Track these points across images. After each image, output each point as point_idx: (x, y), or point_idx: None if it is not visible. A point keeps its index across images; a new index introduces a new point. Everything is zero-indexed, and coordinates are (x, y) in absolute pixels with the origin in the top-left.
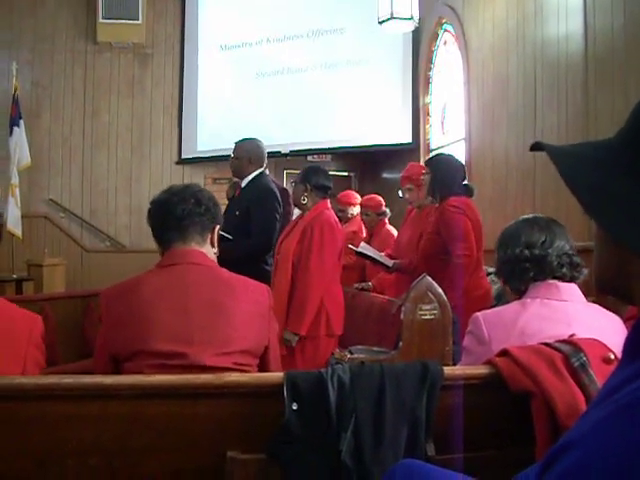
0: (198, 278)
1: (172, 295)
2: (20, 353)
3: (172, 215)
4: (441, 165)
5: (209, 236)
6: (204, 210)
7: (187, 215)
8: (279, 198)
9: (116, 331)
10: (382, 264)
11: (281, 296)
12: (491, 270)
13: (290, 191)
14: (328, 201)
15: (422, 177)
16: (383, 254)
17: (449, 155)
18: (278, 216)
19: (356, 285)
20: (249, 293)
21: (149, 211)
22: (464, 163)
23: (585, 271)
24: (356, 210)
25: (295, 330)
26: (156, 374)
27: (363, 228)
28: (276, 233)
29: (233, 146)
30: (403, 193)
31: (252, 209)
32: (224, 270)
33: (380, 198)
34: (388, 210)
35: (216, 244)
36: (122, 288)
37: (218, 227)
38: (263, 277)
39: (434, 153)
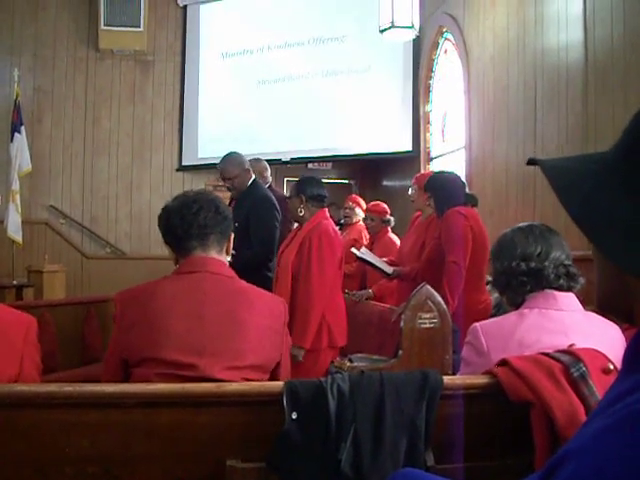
0: (215, 288)
1: (188, 303)
2: (17, 354)
3: (195, 223)
4: (438, 184)
5: (226, 244)
6: (223, 218)
7: (209, 223)
8: (277, 205)
9: (129, 335)
10: (381, 270)
11: None
12: (490, 279)
13: None
14: (326, 210)
15: (427, 202)
16: (385, 259)
17: (442, 172)
18: (277, 223)
19: (355, 293)
20: (266, 306)
21: (163, 217)
22: (464, 172)
23: (582, 280)
24: (360, 214)
25: (300, 344)
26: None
27: (363, 236)
28: (276, 241)
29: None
30: (411, 190)
31: (251, 219)
32: (242, 282)
33: (385, 205)
34: (392, 219)
35: (230, 252)
36: (138, 292)
37: (232, 235)
38: (265, 284)
39: (429, 175)
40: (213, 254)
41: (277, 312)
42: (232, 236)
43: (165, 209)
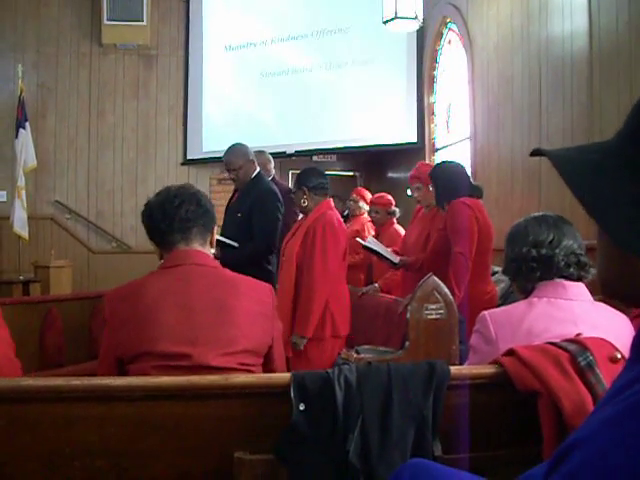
0: (202, 279)
1: (176, 296)
2: None
3: (177, 217)
4: (443, 174)
5: (209, 237)
6: (204, 211)
7: (191, 217)
8: (280, 198)
9: (121, 333)
10: (388, 260)
11: (286, 298)
12: (497, 269)
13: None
14: (331, 201)
15: (430, 189)
16: (390, 249)
17: (449, 161)
18: (280, 216)
19: (362, 289)
20: (253, 293)
21: (146, 213)
22: (469, 163)
23: (593, 270)
24: (365, 207)
25: (302, 333)
26: (161, 375)
27: (366, 227)
28: (278, 234)
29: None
30: (412, 192)
31: (254, 211)
32: (227, 271)
33: (390, 197)
34: (397, 210)
35: (214, 245)
36: (126, 290)
37: (216, 228)
38: (265, 276)
39: (435, 163)
40: (196, 246)
41: (265, 297)
42: (215, 229)
43: (147, 205)
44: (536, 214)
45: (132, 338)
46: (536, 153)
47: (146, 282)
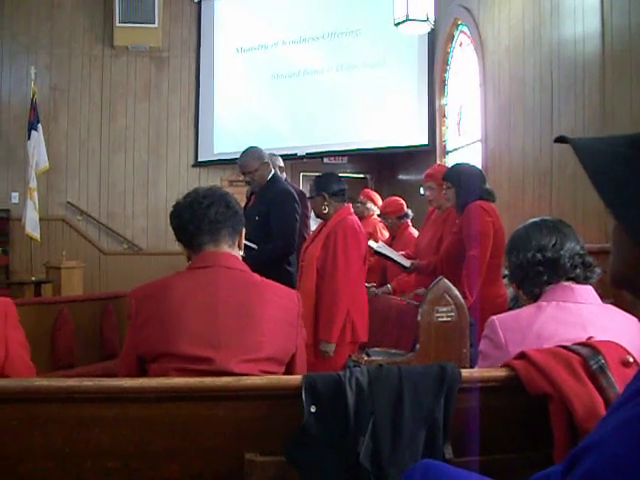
0: (229, 282)
1: (202, 298)
2: (0, 338)
3: (206, 218)
4: (462, 177)
5: (237, 239)
6: (233, 213)
7: (220, 218)
8: (297, 198)
9: (144, 331)
10: (399, 264)
11: (306, 303)
12: (506, 272)
13: (307, 193)
14: (350, 206)
15: (444, 191)
16: (402, 253)
17: (466, 164)
18: (297, 216)
19: (375, 290)
20: (279, 299)
21: (175, 214)
22: (480, 165)
23: (598, 270)
24: (373, 208)
25: (327, 338)
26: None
27: (378, 229)
28: (296, 235)
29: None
30: (424, 190)
31: (272, 212)
32: (255, 275)
33: (399, 201)
34: (410, 212)
35: (242, 247)
36: (152, 288)
37: (244, 230)
38: (285, 278)
39: (450, 165)
40: (225, 248)
41: (290, 304)
42: (243, 231)
43: (176, 206)
44: (534, 219)
45: (155, 337)
46: (560, 140)
47: (172, 282)
